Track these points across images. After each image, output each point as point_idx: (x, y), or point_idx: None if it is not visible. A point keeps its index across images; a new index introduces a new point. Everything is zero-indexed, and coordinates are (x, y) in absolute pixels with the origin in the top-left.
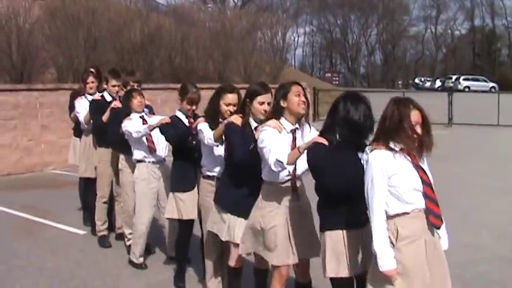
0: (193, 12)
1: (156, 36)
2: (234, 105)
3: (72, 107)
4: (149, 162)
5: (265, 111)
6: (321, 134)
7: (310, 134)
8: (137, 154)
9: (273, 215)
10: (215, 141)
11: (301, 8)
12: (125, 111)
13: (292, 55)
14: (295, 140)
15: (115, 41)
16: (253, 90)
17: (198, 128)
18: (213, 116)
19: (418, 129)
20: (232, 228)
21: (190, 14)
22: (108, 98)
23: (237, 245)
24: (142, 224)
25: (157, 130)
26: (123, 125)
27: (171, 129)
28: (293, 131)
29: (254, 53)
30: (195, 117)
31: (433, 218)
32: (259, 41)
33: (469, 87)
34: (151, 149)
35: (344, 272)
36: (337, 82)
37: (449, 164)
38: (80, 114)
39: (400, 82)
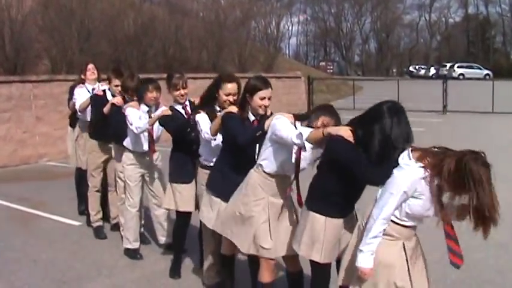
0: (186, 2)
1: (149, 26)
2: (233, 95)
3: (71, 98)
4: (137, 152)
5: (266, 106)
6: (350, 129)
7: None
8: (127, 143)
9: (255, 205)
10: (212, 135)
11: None
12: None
13: (286, 44)
14: None
15: (108, 31)
16: (254, 85)
17: (196, 119)
18: (209, 102)
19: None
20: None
21: (184, 4)
22: (110, 97)
23: None
24: (132, 207)
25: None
26: (126, 109)
27: (171, 121)
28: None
29: (248, 42)
30: (195, 108)
31: (452, 256)
32: (253, 31)
33: (463, 74)
34: (150, 142)
35: (315, 256)
36: (331, 71)
37: None
38: (76, 101)
39: (394, 70)
